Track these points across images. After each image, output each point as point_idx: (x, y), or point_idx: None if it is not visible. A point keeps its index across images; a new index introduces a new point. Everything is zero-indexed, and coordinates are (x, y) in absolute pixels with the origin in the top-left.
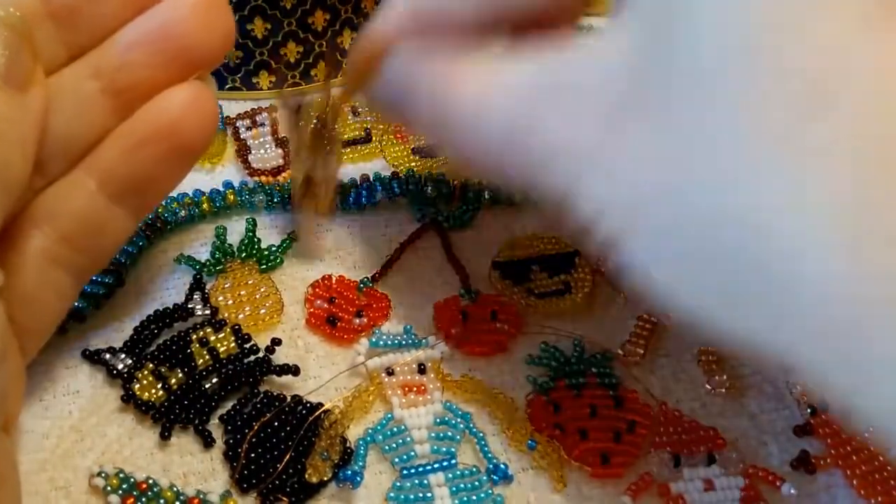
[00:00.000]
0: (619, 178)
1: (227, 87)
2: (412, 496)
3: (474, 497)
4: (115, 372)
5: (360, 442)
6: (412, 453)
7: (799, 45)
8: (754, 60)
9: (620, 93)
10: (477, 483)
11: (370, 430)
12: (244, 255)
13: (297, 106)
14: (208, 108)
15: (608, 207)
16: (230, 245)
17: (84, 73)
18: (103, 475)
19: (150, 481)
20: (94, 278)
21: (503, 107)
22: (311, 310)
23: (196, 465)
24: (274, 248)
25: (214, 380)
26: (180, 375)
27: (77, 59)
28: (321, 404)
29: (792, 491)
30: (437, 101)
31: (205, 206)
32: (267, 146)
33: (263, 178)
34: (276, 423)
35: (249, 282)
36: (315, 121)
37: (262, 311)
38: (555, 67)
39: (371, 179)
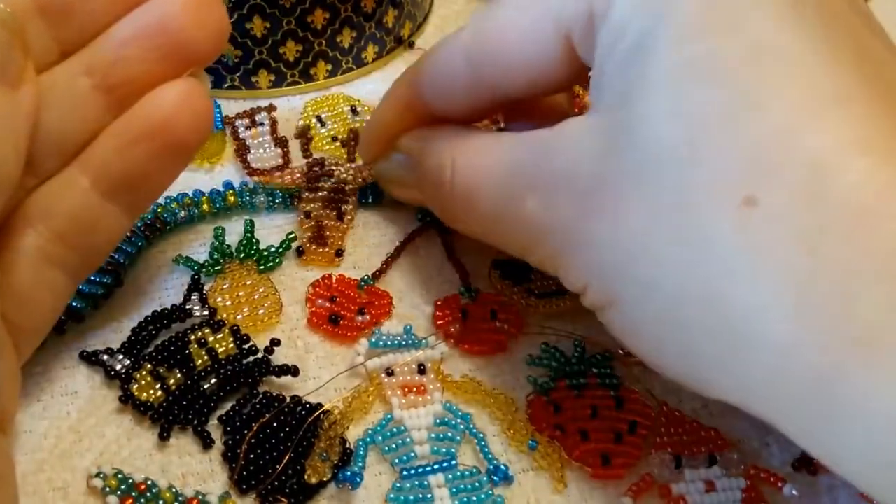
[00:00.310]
0: (594, 253)
1: (226, 86)
2: (412, 497)
3: (474, 498)
4: (112, 373)
5: (360, 443)
6: (412, 454)
7: (749, 125)
8: (705, 142)
9: (590, 175)
10: (477, 484)
11: (370, 431)
12: (242, 255)
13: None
14: (202, 105)
15: (589, 279)
16: (228, 246)
17: (76, 69)
18: (101, 476)
19: (149, 482)
20: (92, 278)
21: (491, 189)
22: (313, 309)
23: (195, 465)
24: (273, 249)
25: (213, 380)
26: (179, 376)
27: (69, 56)
28: (320, 405)
29: (794, 492)
30: (437, 182)
31: (205, 206)
32: (266, 146)
33: (263, 178)
34: (275, 424)
35: (248, 282)
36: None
37: (261, 311)
38: (535, 150)
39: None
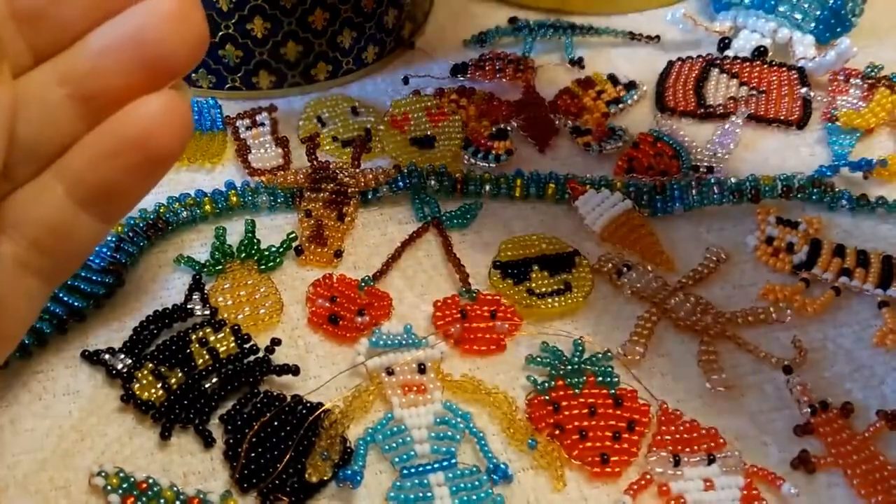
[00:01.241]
0: None
1: (227, 86)
2: (412, 496)
3: (474, 497)
4: (114, 372)
5: (360, 442)
6: (412, 453)
7: None
8: None
9: None
10: (477, 483)
11: (370, 430)
12: (243, 255)
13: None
14: (181, 119)
15: None
16: (229, 246)
17: (51, 77)
18: (103, 475)
19: (150, 481)
20: (94, 278)
21: None
22: (313, 308)
23: (196, 464)
24: (274, 249)
25: (214, 380)
26: (180, 375)
27: (43, 63)
28: (321, 404)
29: (792, 491)
30: None
31: (207, 207)
32: (267, 146)
33: (266, 177)
34: (276, 423)
35: (249, 282)
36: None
37: (262, 311)
38: None
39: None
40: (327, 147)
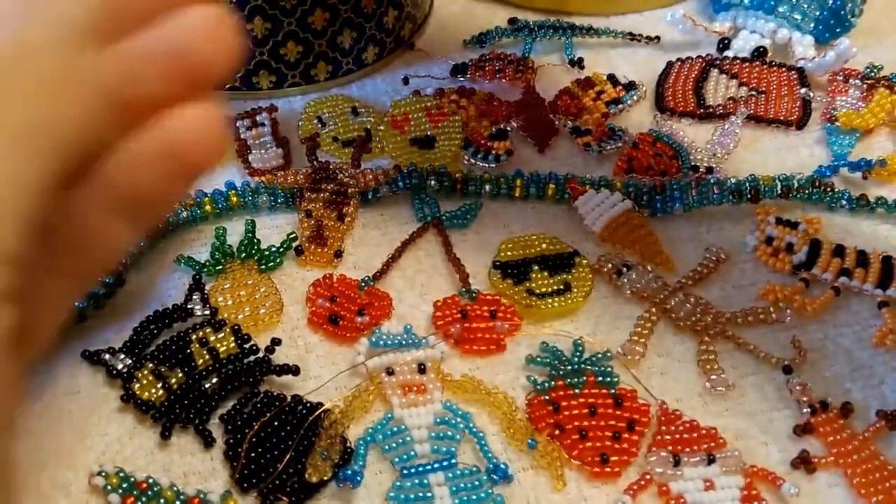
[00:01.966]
0: None
1: (227, 86)
2: (412, 496)
3: (474, 497)
4: (114, 372)
5: (360, 442)
6: (412, 453)
7: None
8: None
9: None
10: (477, 483)
11: (370, 430)
12: (244, 255)
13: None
14: (216, 130)
15: None
16: (230, 246)
17: None
18: (103, 474)
19: (151, 481)
20: None
21: None
22: (313, 308)
23: (196, 464)
24: (274, 249)
25: (214, 380)
26: (180, 375)
27: None
28: (321, 404)
29: (792, 490)
30: None
31: (207, 207)
32: (267, 146)
33: (266, 178)
34: (276, 423)
35: (249, 282)
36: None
37: (262, 311)
38: None
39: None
40: (327, 147)
